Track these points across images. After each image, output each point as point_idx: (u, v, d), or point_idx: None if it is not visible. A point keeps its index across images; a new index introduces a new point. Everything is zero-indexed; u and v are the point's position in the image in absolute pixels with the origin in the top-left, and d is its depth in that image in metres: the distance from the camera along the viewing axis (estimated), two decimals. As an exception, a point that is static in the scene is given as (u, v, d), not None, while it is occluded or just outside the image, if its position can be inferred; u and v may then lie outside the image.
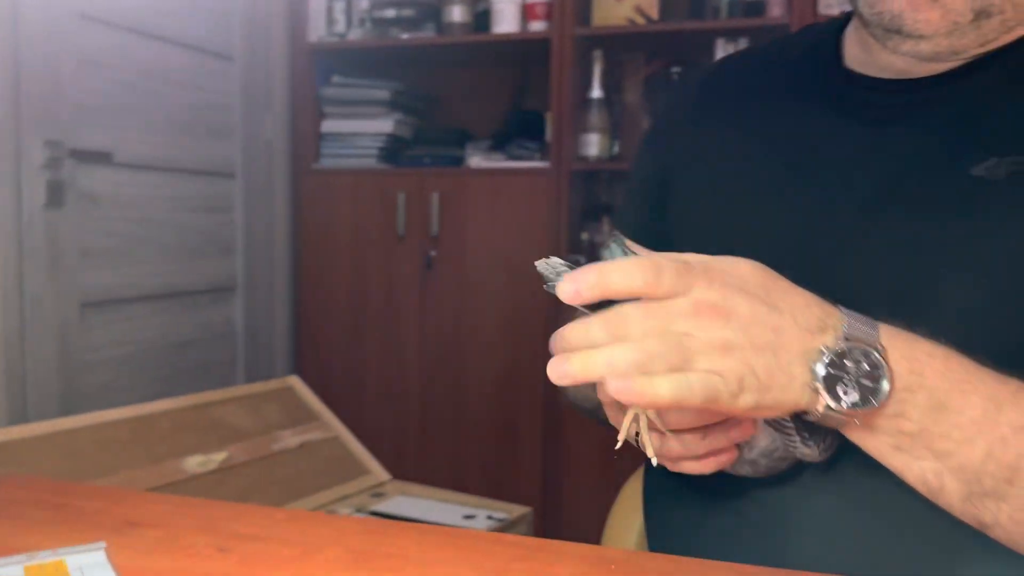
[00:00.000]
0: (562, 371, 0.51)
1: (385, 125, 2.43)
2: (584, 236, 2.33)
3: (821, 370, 0.51)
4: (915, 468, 0.55)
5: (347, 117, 2.46)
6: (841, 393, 0.51)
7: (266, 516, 0.69)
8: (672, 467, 0.61)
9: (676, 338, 0.50)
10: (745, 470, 0.64)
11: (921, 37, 0.64)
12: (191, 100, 2.14)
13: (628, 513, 1.02)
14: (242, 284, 2.35)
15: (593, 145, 2.24)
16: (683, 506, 0.73)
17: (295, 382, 1.78)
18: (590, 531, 2.29)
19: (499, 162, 2.34)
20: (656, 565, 0.61)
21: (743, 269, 0.53)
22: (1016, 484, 0.53)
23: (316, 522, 0.69)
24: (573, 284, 0.51)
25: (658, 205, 0.82)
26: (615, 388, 0.49)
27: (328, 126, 2.47)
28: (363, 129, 2.45)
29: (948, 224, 0.62)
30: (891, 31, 0.65)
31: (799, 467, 0.64)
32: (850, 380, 0.51)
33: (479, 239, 2.31)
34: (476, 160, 2.37)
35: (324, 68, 2.49)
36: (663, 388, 0.49)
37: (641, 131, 2.25)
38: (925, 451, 0.54)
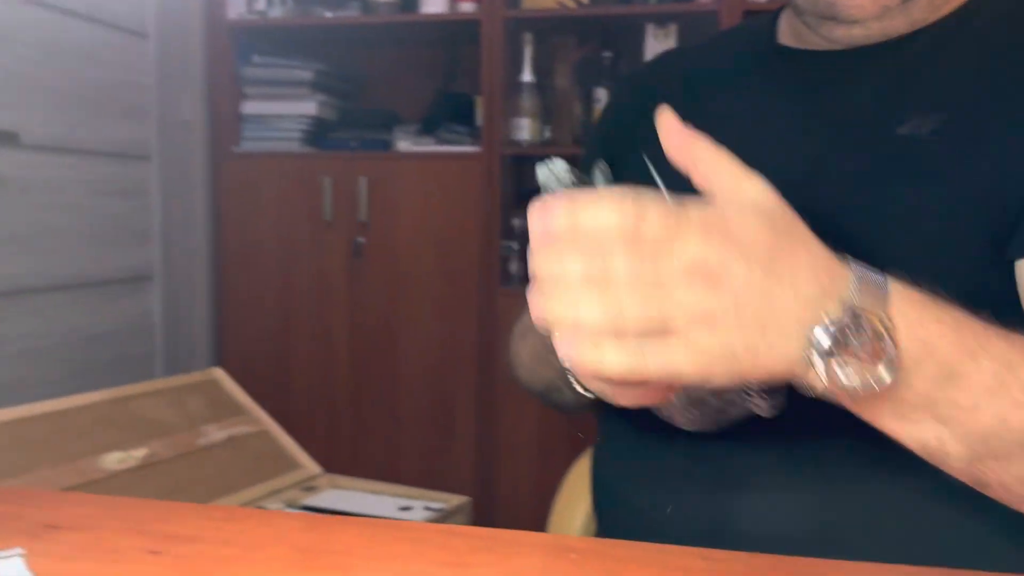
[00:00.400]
0: (536, 316, 0.46)
1: (309, 107, 2.35)
2: (516, 222, 2.31)
3: (820, 344, 0.46)
4: (915, 433, 0.51)
5: (269, 99, 2.37)
6: (839, 373, 0.47)
7: (200, 515, 0.65)
8: (620, 396, 0.56)
9: (661, 296, 0.44)
10: (692, 414, 0.63)
11: (854, 22, 0.68)
12: (103, 79, 2.03)
13: (574, 500, 1.00)
14: (160, 273, 2.25)
15: (524, 129, 2.21)
16: (633, 469, 0.73)
17: (219, 374, 1.71)
18: (526, 519, 2.29)
19: (429, 146, 2.30)
20: (617, 552, 0.59)
21: (749, 224, 0.47)
22: None
23: (256, 520, 0.64)
24: (541, 222, 0.45)
25: None
26: (562, 352, 0.46)
27: (249, 108, 2.38)
28: (286, 111, 2.37)
29: (880, 183, 0.64)
30: (825, 18, 0.68)
31: (746, 423, 0.64)
32: (851, 357, 0.47)
33: (409, 225, 2.26)
34: (404, 144, 2.32)
35: (244, 47, 2.39)
36: (614, 364, 0.45)
37: (573, 116, 2.23)
38: (928, 417, 0.50)
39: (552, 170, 0.54)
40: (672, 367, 0.45)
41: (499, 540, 0.60)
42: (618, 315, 0.44)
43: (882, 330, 0.47)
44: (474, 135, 2.28)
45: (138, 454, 1.34)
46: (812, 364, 0.47)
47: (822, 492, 0.62)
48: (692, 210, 0.46)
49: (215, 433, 1.53)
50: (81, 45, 1.95)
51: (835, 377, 0.47)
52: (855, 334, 0.46)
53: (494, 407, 2.24)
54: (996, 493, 0.54)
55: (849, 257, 0.49)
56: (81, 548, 0.57)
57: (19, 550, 0.54)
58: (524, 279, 2.29)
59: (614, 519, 0.75)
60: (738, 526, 0.63)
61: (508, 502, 2.25)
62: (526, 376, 0.84)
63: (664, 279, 0.44)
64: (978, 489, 0.54)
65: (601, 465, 0.78)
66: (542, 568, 0.56)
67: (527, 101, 2.21)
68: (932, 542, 0.61)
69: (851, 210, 0.65)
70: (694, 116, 0.75)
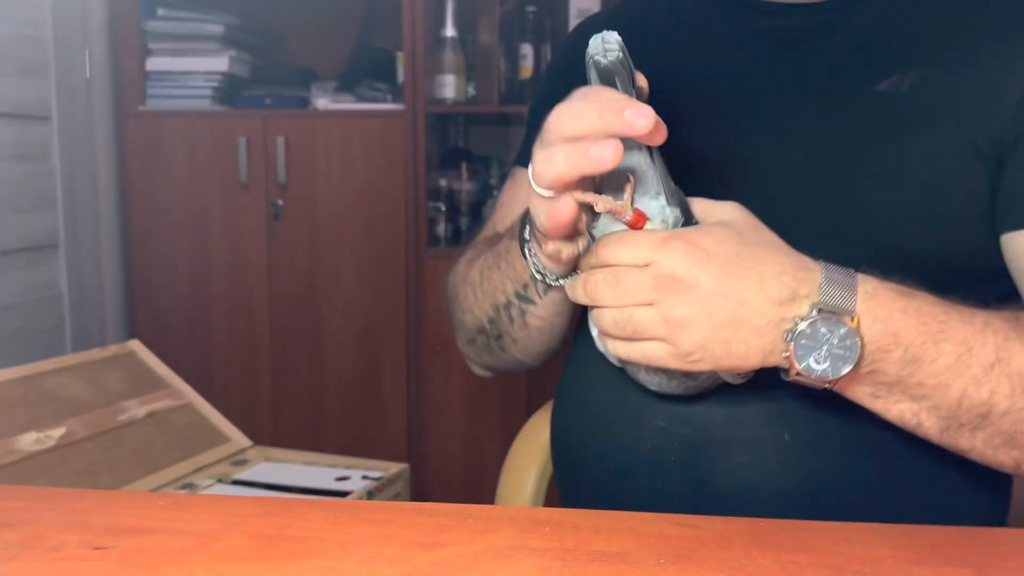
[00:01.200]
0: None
1: (219, 63, 2.24)
2: (443, 182, 2.26)
3: (792, 340, 0.54)
4: (893, 410, 0.58)
5: (176, 54, 2.24)
6: (813, 363, 0.54)
7: (145, 504, 0.60)
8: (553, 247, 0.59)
9: (630, 312, 0.55)
10: (659, 378, 0.62)
11: None
12: (-8, 32, 1.88)
13: (524, 464, 0.99)
14: (64, 241, 2.12)
15: (449, 87, 2.16)
16: (606, 431, 0.71)
17: (137, 347, 1.63)
18: (459, 484, 2.28)
19: (348, 104, 2.22)
20: (590, 522, 0.57)
21: (715, 236, 0.54)
22: (989, 418, 0.56)
23: (207, 507, 0.60)
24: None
25: None
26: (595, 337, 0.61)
27: (154, 64, 2.25)
28: (194, 67, 2.24)
29: (860, 138, 0.65)
30: None
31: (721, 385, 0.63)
32: (822, 350, 0.54)
33: (330, 186, 2.19)
34: (323, 102, 2.23)
35: (147, -1, 2.25)
36: (620, 351, 0.58)
37: (499, 73, 2.19)
38: (902, 396, 0.57)
39: (605, 40, 0.57)
40: (657, 362, 0.56)
41: (470, 516, 0.58)
42: (607, 328, 0.57)
43: (846, 327, 0.54)
44: (395, 92, 2.21)
45: (55, 434, 1.27)
46: (786, 358, 0.54)
47: (802, 441, 0.64)
48: (656, 234, 0.55)
49: (136, 409, 1.46)
50: (-34, -5, 1.80)
51: (806, 368, 0.55)
52: (825, 331, 0.54)
53: (423, 372, 2.21)
54: (971, 456, 0.60)
55: (821, 260, 0.57)
56: (18, 546, 0.52)
57: (-53, 555, 0.49)
58: (453, 240, 2.25)
59: (582, 482, 0.73)
60: (719, 484, 0.63)
61: (440, 468, 2.24)
62: (471, 303, 0.77)
63: (635, 296, 0.54)
64: (961, 454, 0.60)
65: (567, 427, 0.76)
66: (517, 543, 0.54)
67: (450, 57, 2.15)
68: (912, 495, 0.62)
69: (832, 164, 0.65)
70: (658, 65, 0.73)
